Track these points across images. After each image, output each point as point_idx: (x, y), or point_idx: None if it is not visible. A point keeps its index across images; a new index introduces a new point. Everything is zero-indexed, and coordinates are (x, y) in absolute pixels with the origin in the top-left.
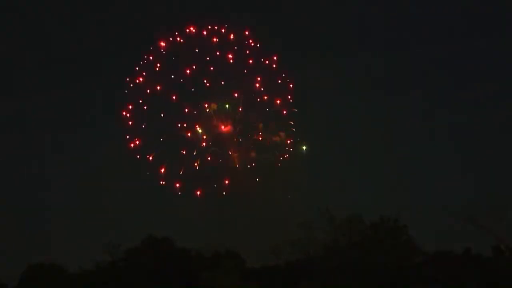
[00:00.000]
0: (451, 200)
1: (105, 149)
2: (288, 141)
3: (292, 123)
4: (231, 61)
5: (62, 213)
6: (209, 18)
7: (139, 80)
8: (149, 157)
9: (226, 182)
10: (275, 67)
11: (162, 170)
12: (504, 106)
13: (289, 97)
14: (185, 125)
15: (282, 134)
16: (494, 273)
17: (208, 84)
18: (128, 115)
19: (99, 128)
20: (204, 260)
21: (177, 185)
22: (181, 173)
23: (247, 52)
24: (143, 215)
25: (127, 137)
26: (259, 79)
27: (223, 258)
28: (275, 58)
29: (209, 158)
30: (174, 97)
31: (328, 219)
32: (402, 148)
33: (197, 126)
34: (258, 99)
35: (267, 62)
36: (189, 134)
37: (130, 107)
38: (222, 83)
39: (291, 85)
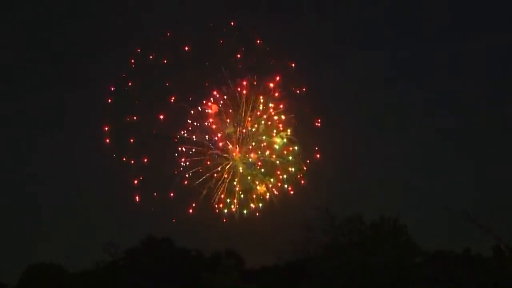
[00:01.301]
0: (451, 200)
1: (105, 149)
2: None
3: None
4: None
5: (62, 213)
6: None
7: (127, 88)
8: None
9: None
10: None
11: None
12: (504, 106)
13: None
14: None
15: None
16: (494, 273)
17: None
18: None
19: (99, 128)
20: (204, 260)
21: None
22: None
23: (255, 60)
24: (143, 215)
25: (114, 155)
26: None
27: (223, 258)
28: (292, 64)
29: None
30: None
31: (328, 219)
32: (402, 148)
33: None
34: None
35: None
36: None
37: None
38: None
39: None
